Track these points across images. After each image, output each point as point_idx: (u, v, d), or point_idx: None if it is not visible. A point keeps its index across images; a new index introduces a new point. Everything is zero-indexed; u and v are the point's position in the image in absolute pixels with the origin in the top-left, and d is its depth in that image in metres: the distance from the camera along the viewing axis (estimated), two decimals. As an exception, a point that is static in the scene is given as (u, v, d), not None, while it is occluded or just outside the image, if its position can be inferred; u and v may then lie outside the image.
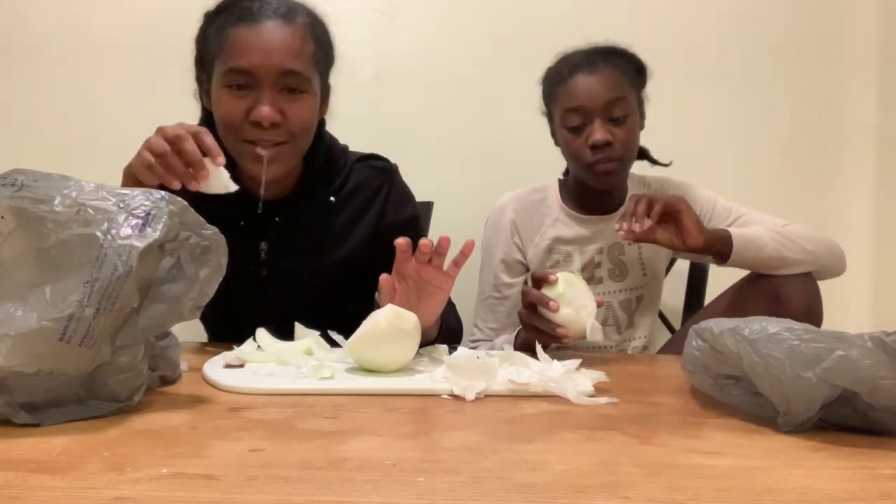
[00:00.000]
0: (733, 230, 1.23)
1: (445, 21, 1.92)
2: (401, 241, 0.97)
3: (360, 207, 1.25)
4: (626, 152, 1.32)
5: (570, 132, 1.33)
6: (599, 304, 1.09)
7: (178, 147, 0.96)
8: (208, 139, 0.98)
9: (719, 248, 1.21)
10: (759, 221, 1.34)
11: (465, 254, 0.98)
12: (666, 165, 1.46)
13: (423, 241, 0.96)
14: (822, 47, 1.95)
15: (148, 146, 0.97)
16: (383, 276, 0.98)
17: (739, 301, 1.24)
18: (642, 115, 1.38)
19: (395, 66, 1.90)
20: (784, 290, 1.20)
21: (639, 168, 1.47)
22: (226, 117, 1.10)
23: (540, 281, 1.10)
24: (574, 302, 1.06)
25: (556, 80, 1.35)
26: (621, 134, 1.30)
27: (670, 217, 1.19)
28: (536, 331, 1.08)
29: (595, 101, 1.29)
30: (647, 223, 1.17)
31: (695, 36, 1.90)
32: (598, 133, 1.29)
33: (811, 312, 1.18)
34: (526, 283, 1.44)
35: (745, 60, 1.93)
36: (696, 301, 1.65)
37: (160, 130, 0.99)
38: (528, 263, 1.44)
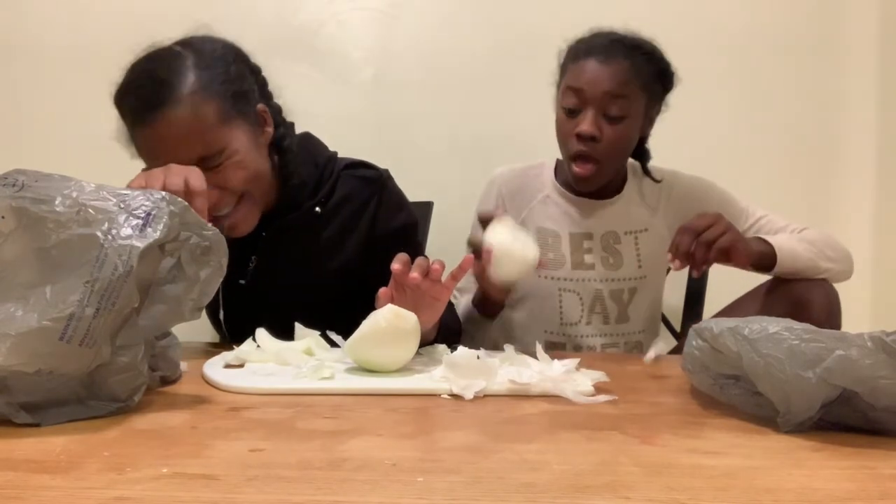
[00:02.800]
0: (777, 247, 1.20)
1: (445, 21, 1.92)
2: (397, 267, 0.96)
3: (350, 219, 1.22)
4: (610, 154, 1.28)
5: (564, 113, 1.30)
6: (542, 264, 1.08)
7: None
8: (198, 203, 0.94)
9: (763, 265, 1.21)
10: (778, 225, 1.33)
11: (463, 269, 0.99)
12: (657, 181, 1.41)
13: (412, 274, 0.94)
14: (822, 47, 1.95)
15: (147, 179, 0.95)
16: (382, 290, 0.98)
17: (760, 307, 1.23)
18: (649, 121, 1.34)
19: (395, 66, 1.90)
20: (806, 297, 1.20)
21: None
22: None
23: (486, 220, 1.10)
24: (509, 234, 1.06)
25: (571, 55, 1.31)
26: (611, 133, 1.26)
27: (724, 249, 1.14)
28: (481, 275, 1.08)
29: (596, 89, 1.25)
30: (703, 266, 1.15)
31: (694, 36, 1.90)
32: (587, 124, 1.25)
33: (832, 319, 1.19)
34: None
35: (745, 60, 1.94)
36: (696, 301, 1.65)
37: (167, 171, 0.96)
38: None
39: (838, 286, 1.32)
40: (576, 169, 1.30)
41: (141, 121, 1.05)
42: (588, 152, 1.27)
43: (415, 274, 0.94)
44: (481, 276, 1.02)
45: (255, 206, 1.13)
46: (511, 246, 1.05)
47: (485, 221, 1.11)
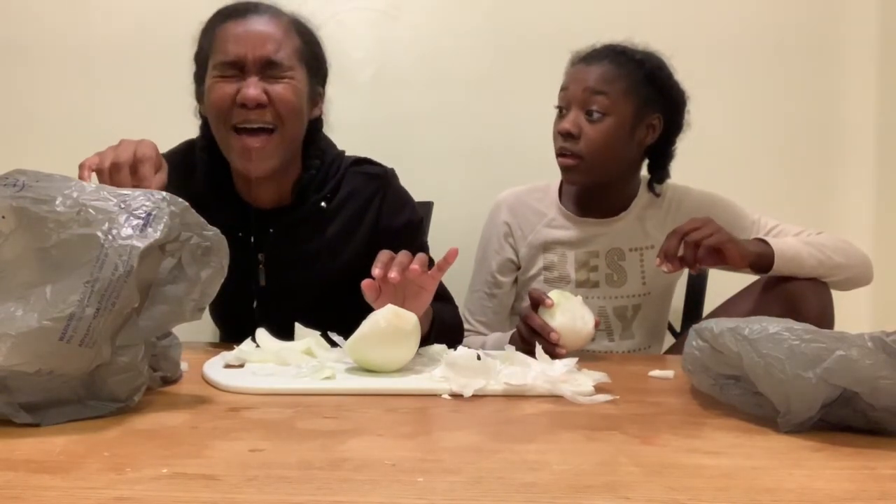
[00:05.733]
0: (775, 247, 1.22)
1: (446, 21, 1.92)
2: (377, 272, 0.96)
3: (355, 215, 1.24)
4: (591, 151, 1.30)
5: (557, 113, 1.35)
6: (597, 324, 1.10)
7: (110, 174, 0.99)
8: (143, 169, 0.99)
9: (761, 265, 1.22)
10: (791, 233, 1.33)
11: (448, 260, 1.00)
12: (656, 195, 1.41)
13: (391, 275, 0.95)
14: (822, 47, 1.95)
15: (101, 157, 1.00)
16: (365, 282, 0.98)
17: (753, 307, 1.24)
18: (649, 129, 1.34)
19: (395, 66, 1.90)
20: (798, 298, 1.21)
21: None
22: (214, 103, 1.13)
23: (536, 302, 1.11)
24: (569, 312, 1.09)
25: (569, 63, 1.37)
26: (590, 131, 1.29)
27: (715, 250, 1.18)
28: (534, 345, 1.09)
29: (578, 86, 1.31)
30: (696, 266, 1.19)
31: (694, 36, 1.90)
32: (566, 121, 1.30)
33: (824, 318, 1.20)
34: (517, 280, 1.45)
35: (745, 60, 1.93)
36: (696, 302, 1.65)
37: (117, 147, 1.01)
38: (520, 262, 1.44)
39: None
40: (560, 161, 1.34)
41: (239, 15, 1.15)
42: (569, 149, 1.31)
43: (393, 274, 0.95)
44: (550, 354, 1.05)
45: (280, 146, 1.16)
46: (573, 325, 1.09)
47: (535, 301, 1.12)
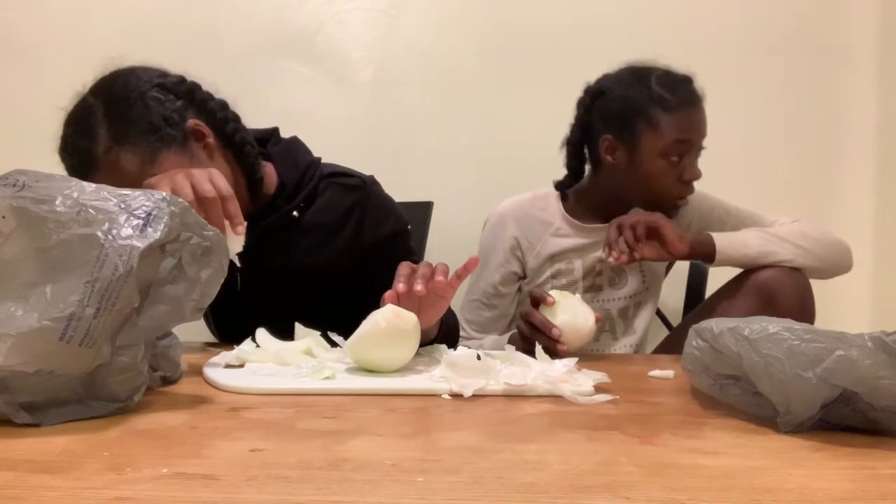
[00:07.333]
0: (716, 234, 1.27)
1: (445, 22, 1.92)
2: (401, 288, 0.95)
3: (332, 227, 1.21)
4: None
5: (667, 163, 1.32)
6: (598, 320, 1.11)
7: (205, 210, 0.93)
8: (232, 207, 0.95)
9: (704, 251, 1.26)
10: (766, 221, 1.36)
11: (467, 269, 0.99)
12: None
13: (416, 288, 0.94)
14: (822, 47, 1.95)
15: (173, 187, 0.93)
16: (387, 294, 0.96)
17: (732, 300, 1.25)
18: None
19: (395, 66, 1.91)
20: (774, 287, 1.21)
21: None
22: None
23: (537, 301, 1.11)
24: (570, 310, 1.09)
25: (664, 105, 1.31)
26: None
27: (653, 233, 1.25)
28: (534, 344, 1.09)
29: (699, 136, 1.34)
30: (637, 249, 1.25)
31: (694, 36, 1.91)
32: (696, 169, 1.33)
33: (803, 307, 1.19)
34: (520, 289, 1.45)
35: (745, 60, 1.94)
36: (696, 301, 1.65)
37: (190, 176, 0.94)
38: (526, 273, 1.44)
39: (839, 285, 1.32)
40: (679, 202, 1.36)
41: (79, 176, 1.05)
42: (689, 191, 1.35)
43: (418, 287, 0.94)
44: (551, 352, 1.05)
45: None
46: (575, 323, 1.09)
47: (536, 300, 1.12)
